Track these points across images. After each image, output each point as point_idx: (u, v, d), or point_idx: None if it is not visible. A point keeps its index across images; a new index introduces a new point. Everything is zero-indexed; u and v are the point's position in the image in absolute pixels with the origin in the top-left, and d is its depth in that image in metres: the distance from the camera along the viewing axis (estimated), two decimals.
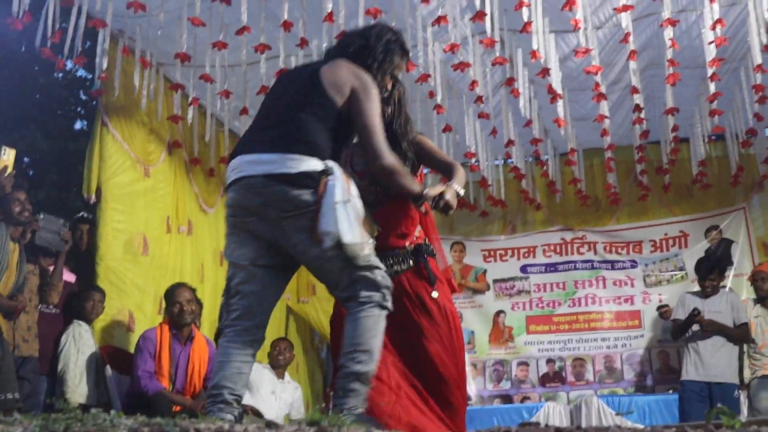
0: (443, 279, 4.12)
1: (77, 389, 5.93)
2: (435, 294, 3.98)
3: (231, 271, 3.63)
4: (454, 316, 4.07)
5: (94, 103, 6.79)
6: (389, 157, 3.53)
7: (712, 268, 7.74)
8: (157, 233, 7.11)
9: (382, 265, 3.46)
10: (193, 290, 6.43)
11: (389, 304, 3.43)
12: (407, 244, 4.04)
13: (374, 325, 3.38)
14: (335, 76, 3.56)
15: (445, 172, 4.07)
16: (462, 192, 3.90)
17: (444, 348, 3.96)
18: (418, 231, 4.09)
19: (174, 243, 7.37)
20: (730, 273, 8.69)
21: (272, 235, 3.49)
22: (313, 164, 3.37)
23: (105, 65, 6.17)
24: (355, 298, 3.40)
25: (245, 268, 3.56)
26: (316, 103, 3.51)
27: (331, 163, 3.39)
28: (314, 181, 3.35)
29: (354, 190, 3.42)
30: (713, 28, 5.74)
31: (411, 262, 4.02)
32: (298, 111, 3.51)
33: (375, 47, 3.73)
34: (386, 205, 3.92)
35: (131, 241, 6.75)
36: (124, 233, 6.71)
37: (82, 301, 6.20)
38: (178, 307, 6.21)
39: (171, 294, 6.31)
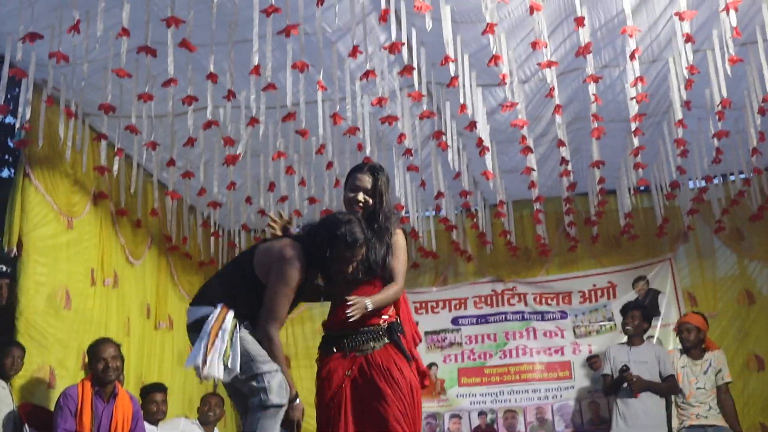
0: (414, 356, 4.59)
1: None
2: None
3: None
4: (417, 391, 4.47)
5: (17, 153, 6.63)
6: (273, 328, 4.28)
7: (630, 308, 7.86)
8: (81, 286, 6.94)
9: (259, 371, 4.18)
10: (118, 345, 6.26)
11: (270, 401, 4.12)
12: (381, 321, 4.49)
13: (263, 424, 4.11)
14: (263, 258, 4.41)
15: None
16: (370, 308, 4.38)
17: (403, 415, 4.32)
18: (391, 309, 4.54)
19: (99, 296, 7.20)
20: (657, 323, 8.81)
21: None
22: (204, 311, 4.30)
23: (28, 115, 6.05)
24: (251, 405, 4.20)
25: None
26: (245, 270, 4.45)
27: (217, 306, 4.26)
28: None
29: (228, 323, 4.19)
30: (635, 84, 5.86)
31: (385, 339, 4.48)
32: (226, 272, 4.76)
33: (321, 242, 4.32)
34: (361, 285, 4.46)
35: (54, 294, 6.58)
36: (46, 286, 6.54)
37: (1, 358, 5.99)
38: (102, 364, 6.04)
39: (95, 349, 6.13)
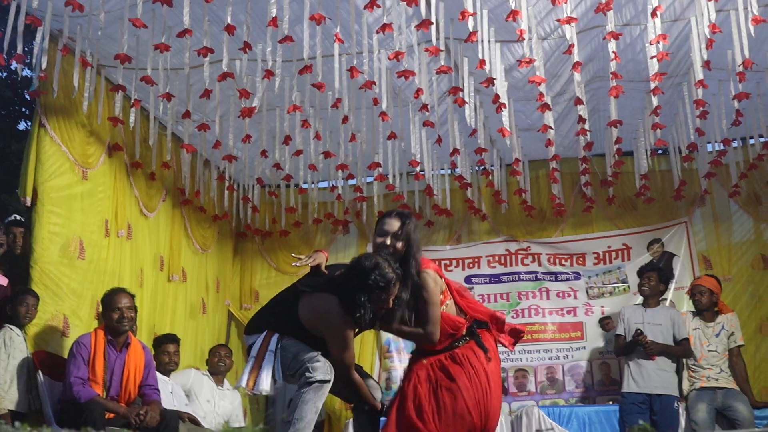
0: (493, 347, 4.78)
1: (6, 395, 5.75)
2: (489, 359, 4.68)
3: None
4: (493, 377, 4.68)
5: (34, 105, 6.63)
6: (352, 374, 4.70)
7: (647, 269, 7.83)
8: (94, 237, 6.97)
9: (303, 361, 4.52)
10: (132, 296, 6.29)
11: (314, 377, 4.44)
12: (454, 341, 4.68)
13: (305, 397, 4.46)
14: (308, 317, 4.64)
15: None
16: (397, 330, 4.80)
17: (477, 400, 4.57)
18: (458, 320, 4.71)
19: (112, 247, 7.23)
20: (672, 286, 8.77)
21: None
22: (252, 339, 4.74)
23: (44, 65, 6.04)
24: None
25: None
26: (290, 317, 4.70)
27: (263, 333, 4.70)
28: None
29: (273, 345, 4.62)
30: (655, 42, 5.78)
31: (467, 338, 4.70)
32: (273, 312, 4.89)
33: (356, 293, 4.43)
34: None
35: (67, 244, 6.60)
36: (61, 236, 6.56)
37: (14, 305, 6.04)
38: (117, 314, 6.07)
39: (110, 299, 6.16)
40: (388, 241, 4.67)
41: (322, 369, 4.46)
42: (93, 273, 6.88)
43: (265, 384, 4.53)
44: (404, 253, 4.66)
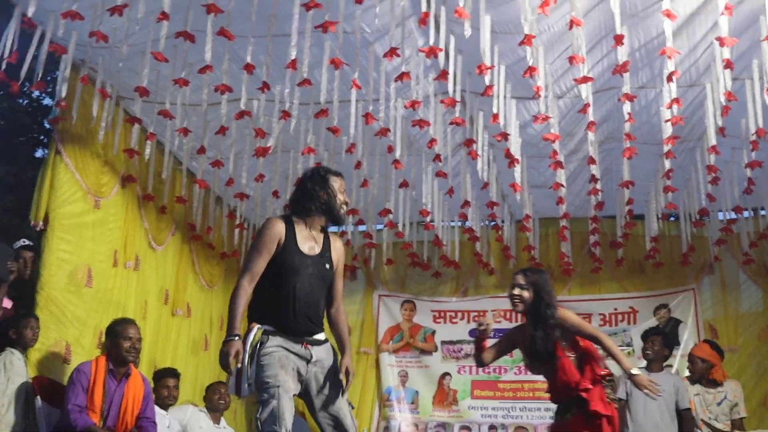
0: (608, 411, 5.18)
1: (3, 419, 5.72)
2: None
3: None
4: None
5: (52, 134, 6.71)
6: (244, 279, 4.49)
7: (651, 333, 7.74)
8: (103, 266, 6.99)
9: (260, 398, 4.35)
10: (138, 328, 6.30)
11: (260, 428, 4.30)
12: (572, 395, 5.18)
13: None
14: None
15: None
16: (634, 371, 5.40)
17: None
18: (579, 377, 5.22)
19: (120, 277, 7.24)
20: (678, 353, 8.71)
21: None
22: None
23: (64, 92, 6.12)
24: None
25: None
26: None
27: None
28: None
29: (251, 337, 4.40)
30: (670, 106, 5.82)
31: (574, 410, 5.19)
32: None
33: (309, 192, 4.69)
34: (557, 362, 5.24)
35: (75, 272, 6.62)
36: (69, 263, 6.59)
37: (20, 329, 6.03)
38: (129, 343, 6.05)
39: (120, 328, 6.12)
40: (516, 291, 5.38)
41: (267, 420, 4.26)
42: (99, 302, 6.89)
43: (244, 390, 4.35)
44: (533, 300, 5.32)
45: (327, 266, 4.63)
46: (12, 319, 6.12)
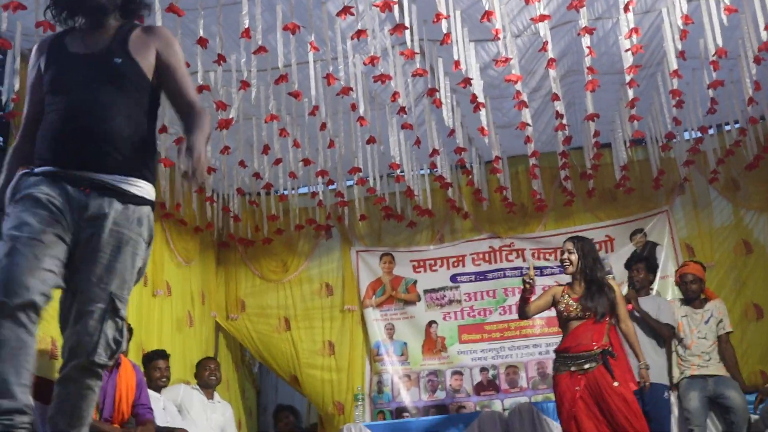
0: (623, 375, 5.91)
1: None
2: (616, 384, 5.77)
3: None
4: (632, 401, 5.81)
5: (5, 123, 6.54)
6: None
7: (634, 261, 7.82)
8: None
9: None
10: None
11: None
12: (594, 347, 5.89)
13: None
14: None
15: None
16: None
17: (628, 415, 5.73)
18: (605, 339, 5.94)
19: None
20: (657, 275, 8.79)
21: None
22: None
23: (16, 86, 5.97)
24: None
25: None
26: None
27: None
28: None
29: None
30: (629, 36, 5.80)
31: (599, 360, 5.86)
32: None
33: None
34: (583, 322, 5.99)
35: None
36: None
37: None
38: None
39: None
40: (565, 256, 6.19)
41: None
42: None
43: None
44: (582, 264, 6.13)
45: (118, 60, 3.18)
46: None
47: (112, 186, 3.08)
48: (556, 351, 6.21)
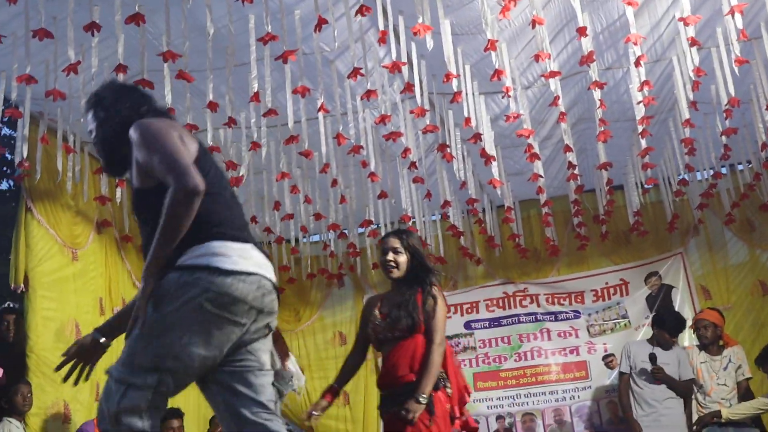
0: (443, 413, 4.53)
1: None
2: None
3: None
4: None
5: (16, 170, 6.53)
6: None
7: (655, 326, 7.67)
8: (89, 317, 6.87)
9: None
10: None
11: None
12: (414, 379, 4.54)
13: None
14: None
15: None
16: (424, 400, 4.47)
17: None
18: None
19: None
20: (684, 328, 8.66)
21: None
22: None
23: (26, 153, 5.96)
24: None
25: None
26: None
27: None
28: None
29: None
30: (641, 89, 5.76)
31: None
32: None
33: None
34: (402, 341, 4.64)
35: (62, 328, 6.52)
36: (55, 321, 6.48)
37: (10, 397, 5.92)
38: None
39: None
40: (390, 257, 4.78)
41: None
42: None
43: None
44: (412, 263, 4.78)
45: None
46: (2, 388, 6.01)
47: None
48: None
